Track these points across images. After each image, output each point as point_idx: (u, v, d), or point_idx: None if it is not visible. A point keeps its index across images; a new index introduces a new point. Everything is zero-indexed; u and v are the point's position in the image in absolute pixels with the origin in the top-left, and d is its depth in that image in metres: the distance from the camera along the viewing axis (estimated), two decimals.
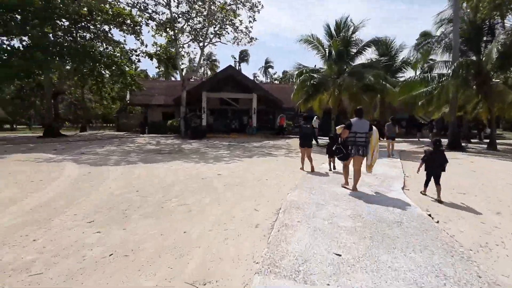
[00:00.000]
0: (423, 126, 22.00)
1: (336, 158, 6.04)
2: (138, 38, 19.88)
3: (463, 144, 13.15)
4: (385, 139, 10.32)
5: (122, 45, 19.88)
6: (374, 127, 4.90)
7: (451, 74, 11.84)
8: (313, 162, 6.94)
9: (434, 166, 4.72)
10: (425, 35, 19.96)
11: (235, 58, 53.00)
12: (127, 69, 20.18)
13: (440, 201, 4.61)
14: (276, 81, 54.24)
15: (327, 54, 14.77)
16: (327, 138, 7.97)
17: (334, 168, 6.91)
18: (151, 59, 18.87)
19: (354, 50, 14.74)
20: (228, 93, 21.34)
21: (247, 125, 22.94)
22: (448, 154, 5.47)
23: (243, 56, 54.00)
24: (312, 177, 6.33)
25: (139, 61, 18.51)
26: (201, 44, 18.64)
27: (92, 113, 35.31)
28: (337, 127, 5.21)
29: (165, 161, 8.82)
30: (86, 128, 24.79)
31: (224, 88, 21.48)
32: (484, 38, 13.14)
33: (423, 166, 4.88)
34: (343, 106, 15.36)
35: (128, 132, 24.13)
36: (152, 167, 7.75)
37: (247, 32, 20.76)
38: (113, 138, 17.10)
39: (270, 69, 59.44)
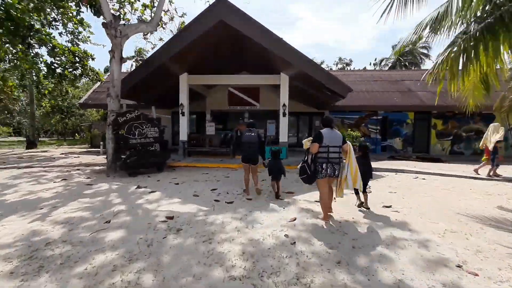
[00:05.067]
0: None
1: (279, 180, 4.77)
2: None
3: None
4: None
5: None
6: (347, 141, 3.69)
7: None
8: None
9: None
10: None
11: None
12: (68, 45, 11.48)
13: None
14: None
15: None
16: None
17: (278, 196, 4.70)
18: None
19: None
20: (230, 75, 10.98)
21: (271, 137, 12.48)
22: None
23: None
24: None
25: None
26: None
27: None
28: (303, 141, 4.00)
29: None
30: (34, 143, 16.51)
31: (226, 66, 11.20)
32: None
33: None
34: None
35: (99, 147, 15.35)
36: None
37: None
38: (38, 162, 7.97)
39: None
